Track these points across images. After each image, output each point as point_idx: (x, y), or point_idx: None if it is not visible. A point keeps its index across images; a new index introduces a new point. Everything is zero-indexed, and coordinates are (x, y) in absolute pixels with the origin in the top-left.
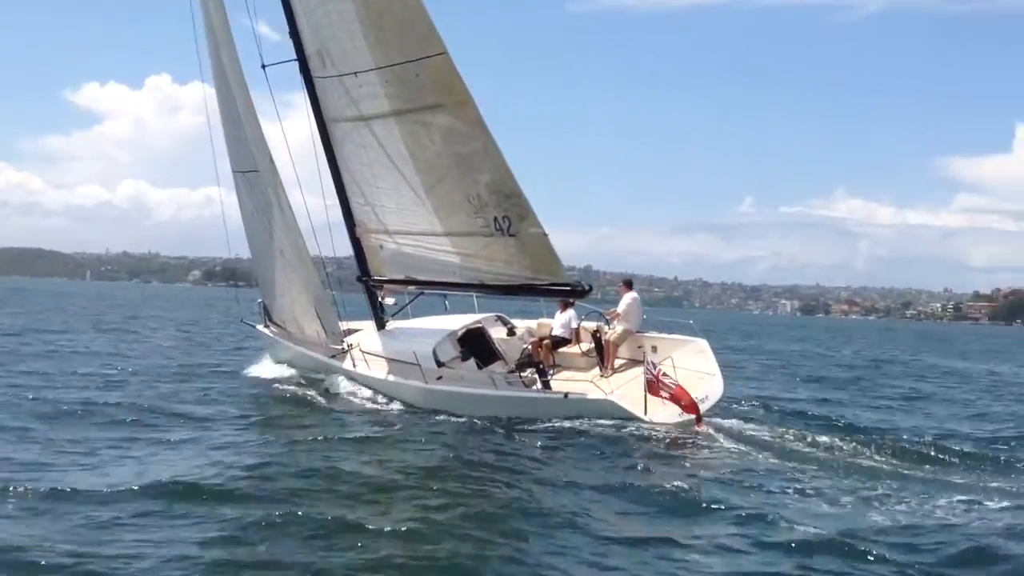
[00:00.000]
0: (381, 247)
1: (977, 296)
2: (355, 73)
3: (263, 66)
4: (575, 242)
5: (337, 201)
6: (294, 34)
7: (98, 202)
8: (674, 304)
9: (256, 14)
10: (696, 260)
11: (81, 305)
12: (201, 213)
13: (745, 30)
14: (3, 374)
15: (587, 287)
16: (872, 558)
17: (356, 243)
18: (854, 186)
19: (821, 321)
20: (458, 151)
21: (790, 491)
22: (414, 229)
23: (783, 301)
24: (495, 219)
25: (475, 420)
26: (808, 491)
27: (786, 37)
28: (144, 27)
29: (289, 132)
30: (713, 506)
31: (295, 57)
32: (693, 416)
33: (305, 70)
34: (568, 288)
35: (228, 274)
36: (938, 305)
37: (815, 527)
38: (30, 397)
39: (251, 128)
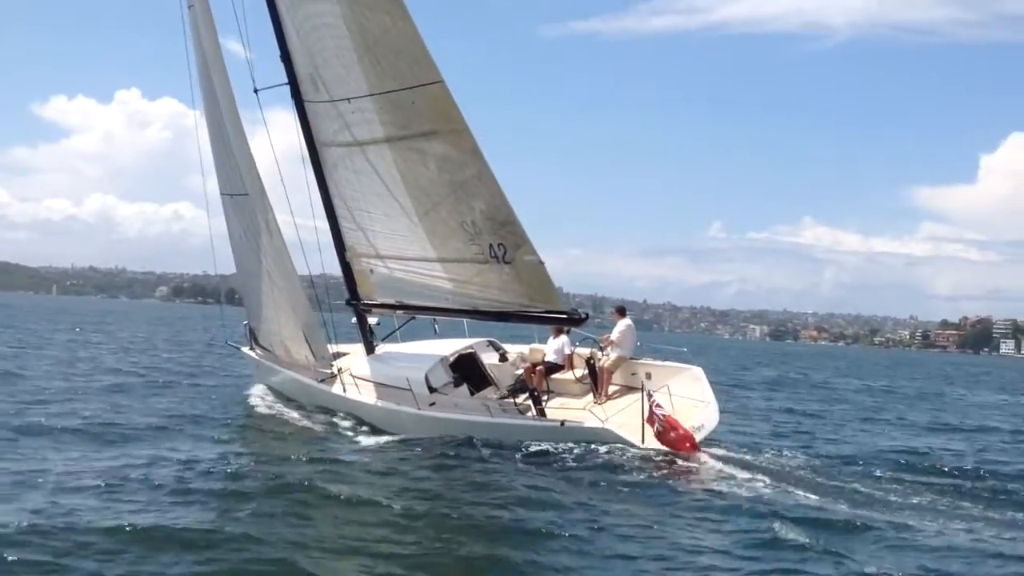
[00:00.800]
0: (371, 271)
1: (945, 324)
2: (348, 99)
3: (255, 90)
4: (547, 264)
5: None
6: (285, 58)
7: (65, 216)
8: (644, 328)
9: (247, 38)
10: (665, 284)
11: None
12: (169, 228)
13: (715, 58)
14: None
15: (584, 315)
16: None
17: (346, 266)
18: (820, 213)
19: (794, 347)
20: (453, 179)
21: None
22: (406, 254)
23: (752, 326)
24: (490, 246)
25: (468, 447)
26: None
27: (755, 65)
28: (114, 41)
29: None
30: (709, 533)
31: (286, 81)
32: (683, 448)
33: (296, 94)
34: (565, 316)
35: (197, 291)
36: (906, 333)
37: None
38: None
39: (240, 151)
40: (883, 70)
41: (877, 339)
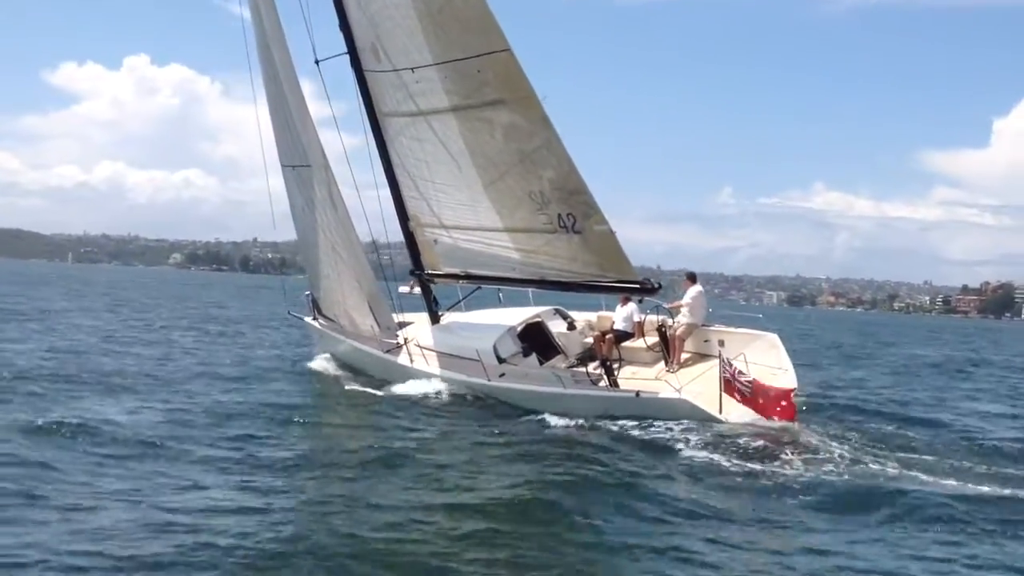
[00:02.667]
0: (436, 241)
1: (965, 289)
2: (412, 68)
3: (316, 61)
4: None
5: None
6: (344, 27)
7: (76, 183)
8: (660, 294)
9: (308, 10)
10: (677, 249)
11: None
12: (180, 195)
13: (729, 21)
14: None
15: (657, 284)
16: None
17: (409, 236)
18: (832, 178)
19: (817, 312)
20: (521, 148)
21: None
22: (472, 224)
23: (768, 292)
24: (559, 216)
25: (539, 417)
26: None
27: (769, 28)
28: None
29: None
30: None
31: (346, 50)
32: (773, 415)
33: (356, 63)
34: (638, 285)
35: (211, 258)
36: (926, 298)
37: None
38: None
39: (304, 124)
40: (895, 33)
41: (897, 304)
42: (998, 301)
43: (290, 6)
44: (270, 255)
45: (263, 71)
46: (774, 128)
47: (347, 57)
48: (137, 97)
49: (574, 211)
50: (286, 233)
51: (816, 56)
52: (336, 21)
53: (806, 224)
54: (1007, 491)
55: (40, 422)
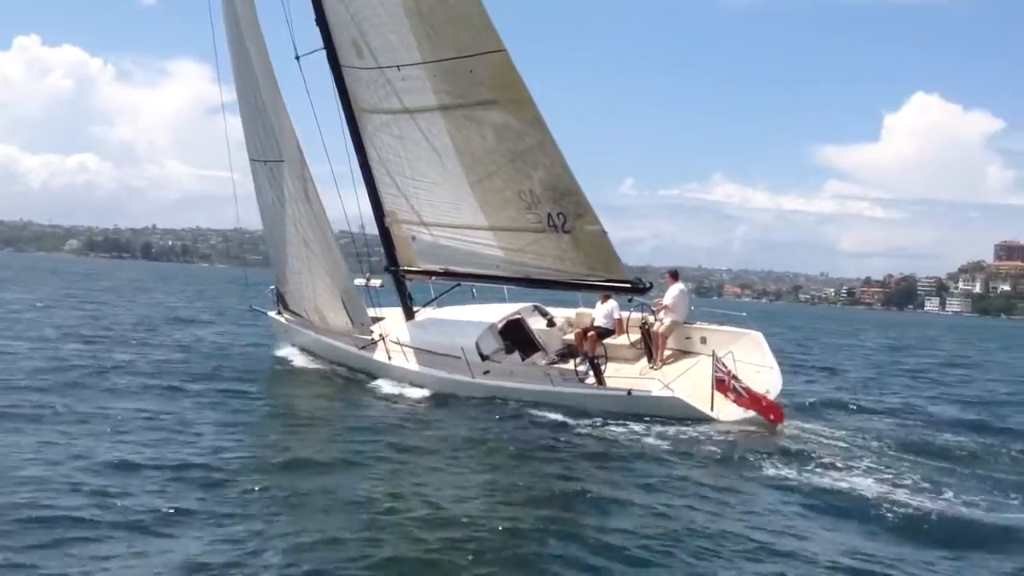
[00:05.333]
0: (414, 238)
1: (868, 281)
2: (398, 66)
3: (297, 57)
4: None
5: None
6: (321, 22)
7: None
8: None
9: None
10: None
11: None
12: (74, 180)
13: (629, 14)
14: None
15: (648, 284)
16: None
17: (385, 233)
18: (730, 171)
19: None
20: (511, 148)
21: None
22: (455, 222)
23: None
24: (548, 215)
25: (526, 414)
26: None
27: (670, 21)
28: None
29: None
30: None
31: (322, 46)
32: (768, 416)
33: (333, 59)
34: (628, 285)
35: (111, 245)
36: (831, 290)
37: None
38: None
39: (279, 118)
40: (793, 28)
41: (802, 296)
42: (901, 293)
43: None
44: (171, 242)
45: (235, 64)
46: (673, 120)
47: (324, 53)
48: (28, 78)
49: (565, 211)
50: (191, 220)
51: (715, 50)
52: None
53: (706, 216)
54: None
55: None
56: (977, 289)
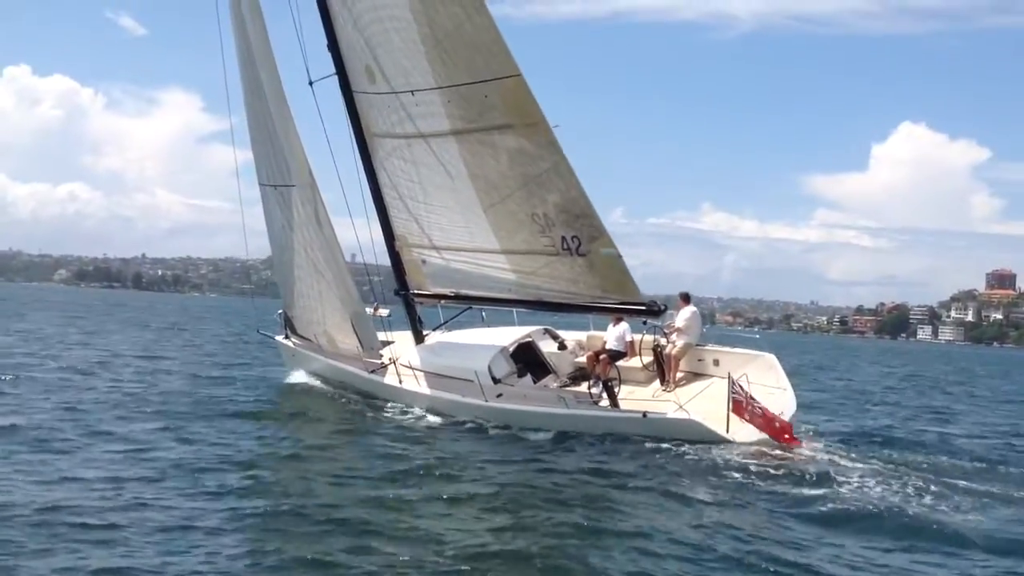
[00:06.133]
0: (424, 261)
1: (861, 310)
2: (412, 92)
3: (310, 83)
4: None
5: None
6: (333, 47)
7: None
8: None
9: (301, 30)
10: None
11: None
12: (64, 210)
13: (621, 46)
14: None
15: (663, 307)
16: None
17: (395, 257)
18: (719, 199)
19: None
20: (525, 172)
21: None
22: (466, 245)
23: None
24: (562, 238)
25: (538, 439)
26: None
27: (659, 54)
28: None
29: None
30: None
31: (334, 71)
32: (783, 438)
33: (345, 84)
34: (644, 308)
35: (101, 274)
36: (824, 318)
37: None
38: None
39: (290, 143)
40: (782, 60)
41: (795, 324)
42: (894, 322)
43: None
44: (160, 272)
45: (245, 89)
46: (662, 150)
47: (335, 78)
48: (18, 108)
49: (579, 234)
50: (181, 250)
51: (704, 81)
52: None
53: (695, 244)
54: None
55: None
56: (969, 317)
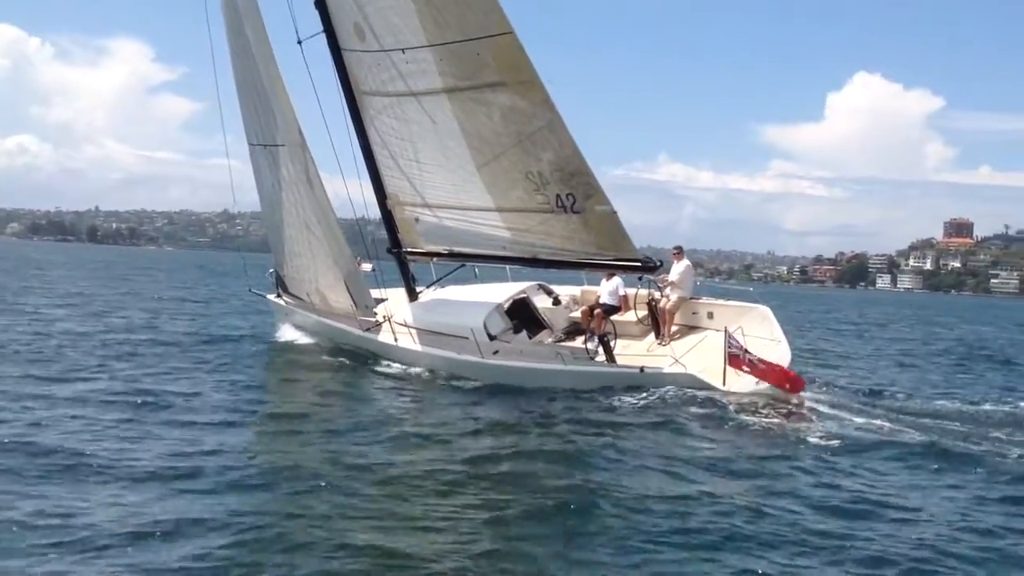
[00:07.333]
0: (417, 219)
1: (820, 260)
2: (403, 49)
3: (299, 41)
4: None
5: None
6: (320, 4)
7: None
8: None
9: None
10: None
11: None
12: (12, 163)
13: None
14: None
15: (658, 263)
16: None
17: (387, 215)
18: (675, 150)
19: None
20: (520, 130)
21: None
22: (460, 204)
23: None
24: (557, 196)
25: (539, 396)
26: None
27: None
28: None
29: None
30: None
31: (322, 29)
32: (784, 386)
33: (333, 41)
34: (639, 263)
35: (55, 228)
36: (784, 268)
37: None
38: None
39: (280, 102)
40: (737, 7)
41: (755, 275)
42: (853, 271)
43: None
44: (114, 225)
45: (232, 48)
46: (617, 100)
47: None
48: None
49: (574, 192)
50: (135, 203)
51: (658, 29)
52: None
53: (653, 195)
54: None
55: None
56: (928, 266)
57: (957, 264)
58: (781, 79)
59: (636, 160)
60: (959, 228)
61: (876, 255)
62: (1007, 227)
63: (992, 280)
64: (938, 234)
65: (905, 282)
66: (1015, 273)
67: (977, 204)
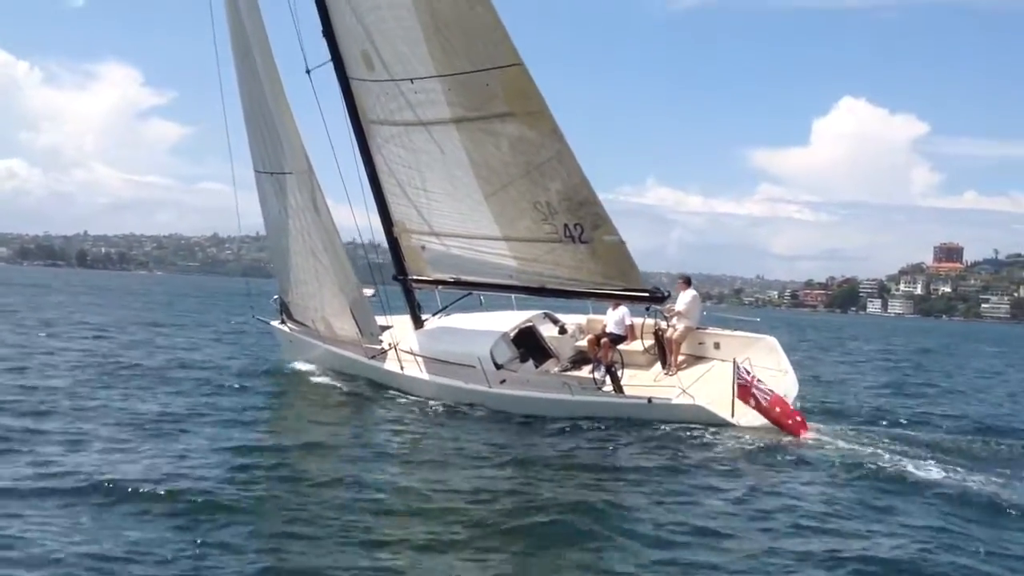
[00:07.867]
0: (423, 247)
1: (811, 284)
2: (411, 79)
3: (308, 71)
4: None
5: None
6: (328, 33)
7: None
8: None
9: (296, 17)
10: None
11: None
12: (1, 187)
13: (560, 16)
14: None
15: (666, 293)
16: None
17: (393, 242)
18: (663, 174)
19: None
20: (528, 160)
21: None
22: (467, 232)
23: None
24: (565, 226)
25: (541, 424)
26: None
27: (601, 26)
28: None
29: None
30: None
31: (330, 58)
32: (786, 428)
33: (341, 70)
34: (647, 294)
35: (45, 252)
36: (775, 292)
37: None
38: None
39: (287, 131)
40: (725, 34)
41: (746, 299)
42: (844, 296)
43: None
44: (104, 249)
45: (240, 75)
46: (606, 125)
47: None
48: None
49: (582, 222)
50: (124, 227)
51: (646, 54)
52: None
53: (641, 219)
54: None
55: None
56: (919, 291)
57: (948, 289)
58: (768, 103)
59: (624, 184)
60: (949, 253)
61: (867, 279)
62: (996, 252)
63: (983, 305)
64: (927, 259)
65: (896, 307)
66: (1005, 298)
67: (965, 228)
